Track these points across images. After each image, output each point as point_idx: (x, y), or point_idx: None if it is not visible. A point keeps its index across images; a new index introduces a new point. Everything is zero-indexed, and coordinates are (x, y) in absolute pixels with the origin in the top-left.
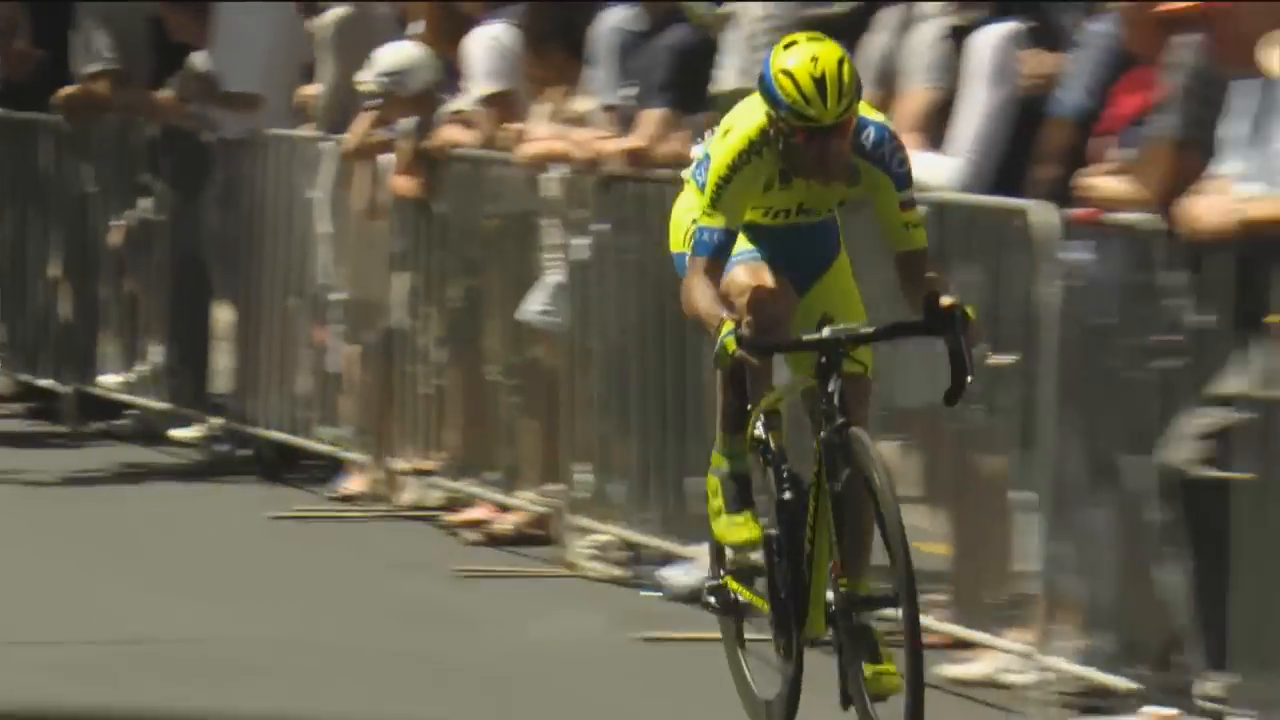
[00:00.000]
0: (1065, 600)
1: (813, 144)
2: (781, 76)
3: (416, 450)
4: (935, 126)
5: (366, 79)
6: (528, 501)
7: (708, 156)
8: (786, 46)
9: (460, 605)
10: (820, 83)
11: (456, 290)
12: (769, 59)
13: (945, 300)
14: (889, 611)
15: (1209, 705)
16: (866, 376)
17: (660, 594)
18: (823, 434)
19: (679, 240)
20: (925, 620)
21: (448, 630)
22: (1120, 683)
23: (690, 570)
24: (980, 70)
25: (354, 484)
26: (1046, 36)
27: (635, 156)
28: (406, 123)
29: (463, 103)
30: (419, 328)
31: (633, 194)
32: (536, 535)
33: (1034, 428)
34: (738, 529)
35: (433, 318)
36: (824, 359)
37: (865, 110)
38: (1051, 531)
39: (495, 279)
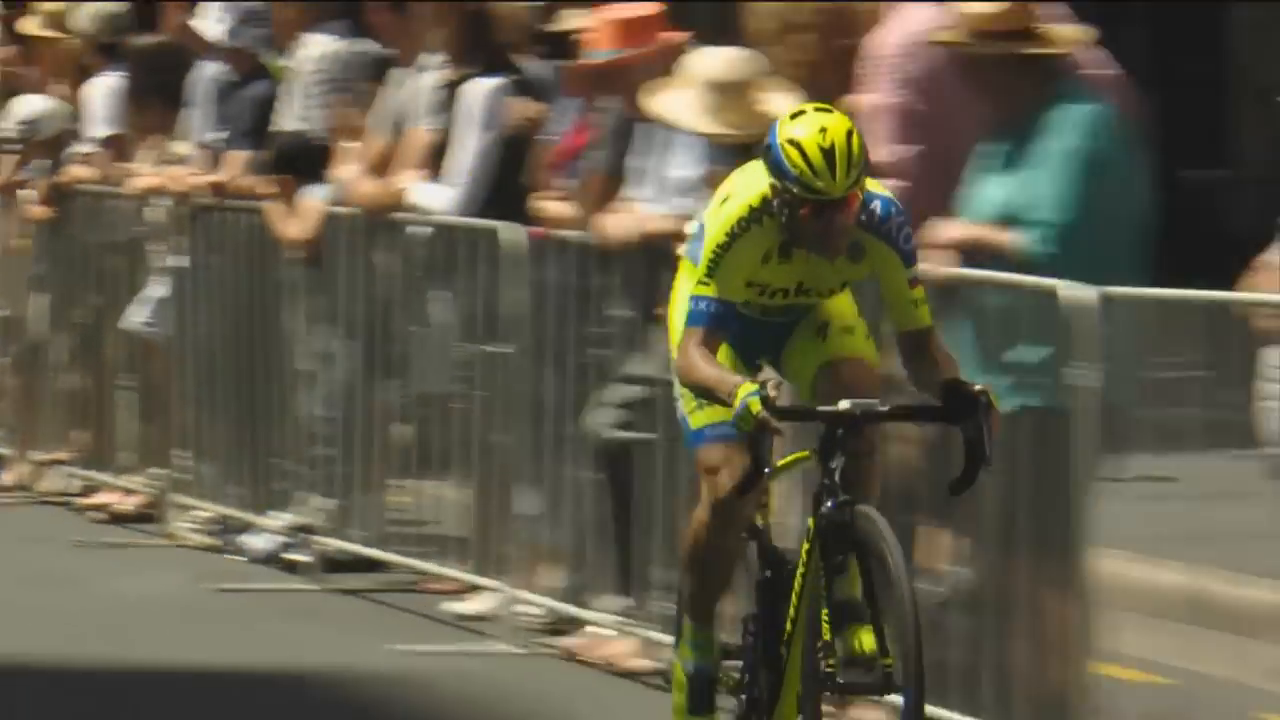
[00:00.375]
0: (545, 547)
1: (819, 217)
2: (789, 147)
3: (55, 444)
4: (433, 162)
5: (7, 127)
6: (141, 484)
7: (702, 228)
8: (794, 116)
9: (76, 570)
10: (829, 154)
11: (84, 306)
12: (775, 128)
13: (970, 387)
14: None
15: (614, 619)
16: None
17: (243, 557)
18: (823, 510)
19: (676, 336)
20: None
21: (63, 589)
22: (582, 612)
23: (267, 537)
24: (472, 116)
25: (6, 476)
26: (529, 88)
27: (220, 189)
28: (40, 163)
29: (86, 144)
30: (55, 339)
31: (217, 221)
32: (150, 513)
33: (521, 407)
34: None
35: (65, 330)
36: (835, 433)
37: (869, 184)
38: (538, 491)
39: (115, 296)
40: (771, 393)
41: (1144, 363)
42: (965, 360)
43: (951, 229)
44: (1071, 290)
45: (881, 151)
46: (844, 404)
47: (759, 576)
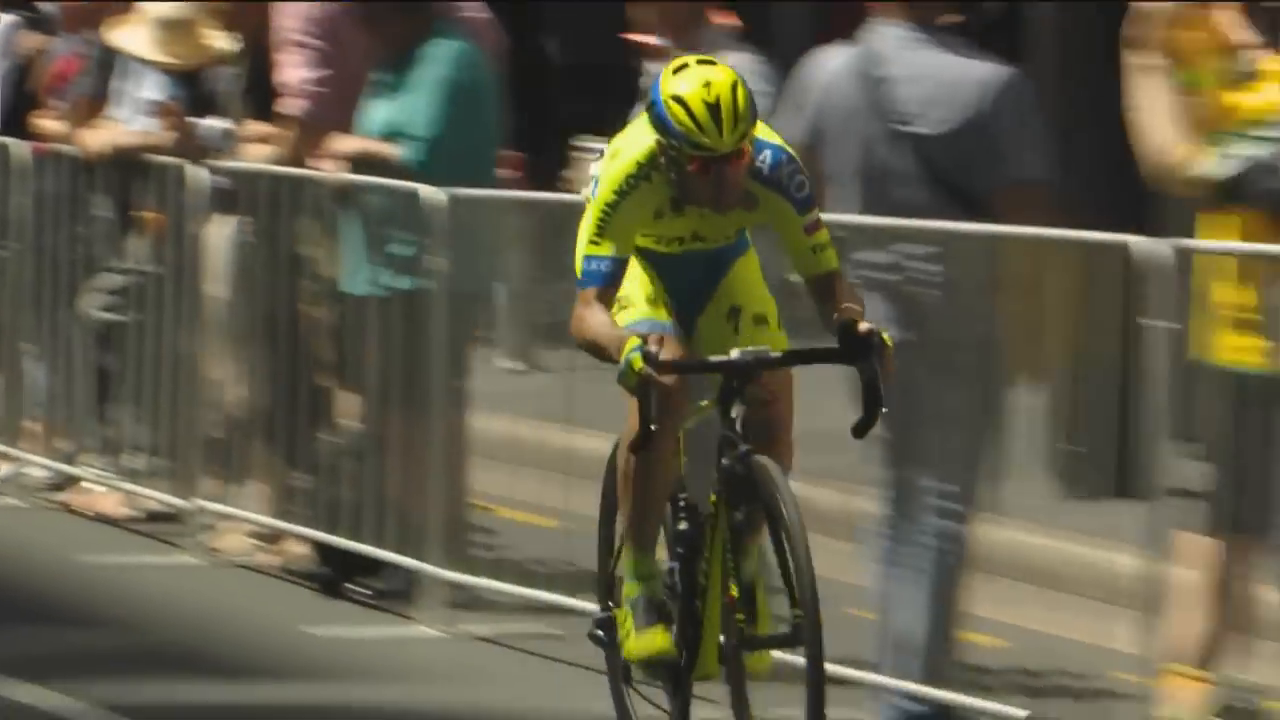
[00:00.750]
0: (46, 416)
1: (707, 173)
2: (673, 103)
3: None
4: None
5: None
6: None
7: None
8: (676, 70)
9: None
10: (715, 110)
11: None
12: (658, 83)
13: (862, 327)
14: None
15: (100, 475)
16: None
17: None
18: (724, 461)
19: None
20: None
21: None
22: (75, 470)
23: None
24: None
25: None
26: (39, 23)
27: None
28: None
29: None
30: None
31: None
32: None
33: (27, 298)
34: (646, 641)
35: None
36: (732, 383)
37: (760, 132)
38: (43, 368)
39: None
40: (653, 347)
41: (494, 254)
42: (357, 253)
43: (346, 143)
44: (429, 192)
45: (292, 78)
46: (734, 353)
47: (674, 529)
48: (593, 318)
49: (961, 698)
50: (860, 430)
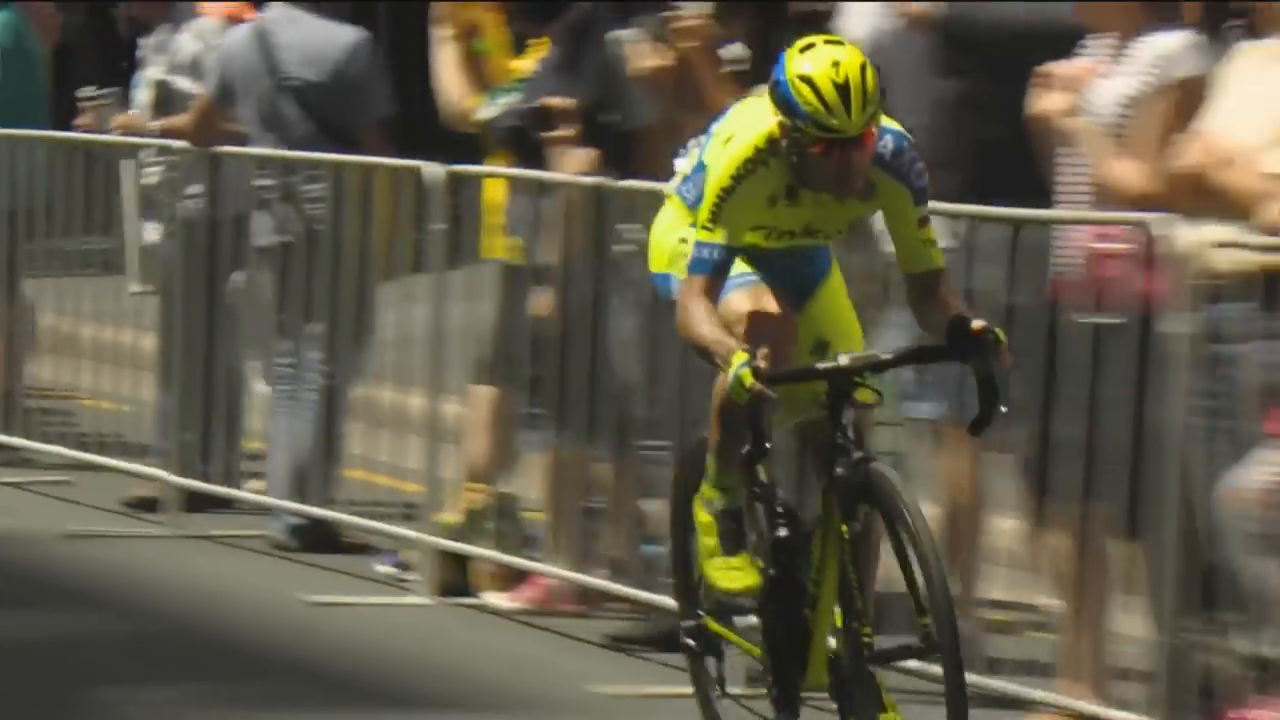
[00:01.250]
0: None
1: (832, 156)
2: (800, 83)
3: None
4: None
5: None
6: None
7: (700, 167)
8: (803, 50)
9: None
10: (844, 90)
11: None
12: (783, 62)
13: (975, 324)
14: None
15: None
16: (874, 405)
17: None
18: (838, 470)
19: (662, 261)
20: None
21: None
22: None
23: None
24: None
25: None
26: None
27: None
28: None
29: None
30: None
31: None
32: None
33: None
34: (735, 575)
35: None
36: (838, 389)
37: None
38: None
39: None
40: (761, 362)
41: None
42: None
43: None
44: None
45: None
46: (843, 358)
47: (772, 536)
48: (701, 316)
49: (339, 515)
50: (978, 428)
